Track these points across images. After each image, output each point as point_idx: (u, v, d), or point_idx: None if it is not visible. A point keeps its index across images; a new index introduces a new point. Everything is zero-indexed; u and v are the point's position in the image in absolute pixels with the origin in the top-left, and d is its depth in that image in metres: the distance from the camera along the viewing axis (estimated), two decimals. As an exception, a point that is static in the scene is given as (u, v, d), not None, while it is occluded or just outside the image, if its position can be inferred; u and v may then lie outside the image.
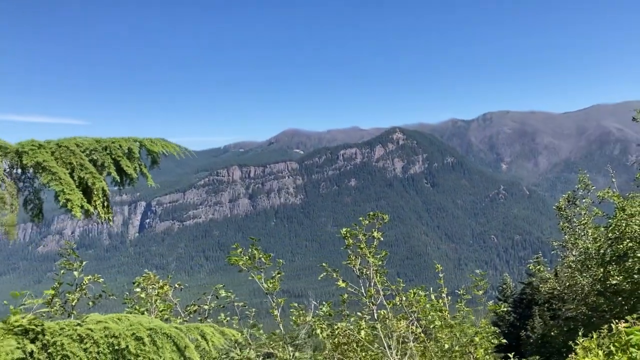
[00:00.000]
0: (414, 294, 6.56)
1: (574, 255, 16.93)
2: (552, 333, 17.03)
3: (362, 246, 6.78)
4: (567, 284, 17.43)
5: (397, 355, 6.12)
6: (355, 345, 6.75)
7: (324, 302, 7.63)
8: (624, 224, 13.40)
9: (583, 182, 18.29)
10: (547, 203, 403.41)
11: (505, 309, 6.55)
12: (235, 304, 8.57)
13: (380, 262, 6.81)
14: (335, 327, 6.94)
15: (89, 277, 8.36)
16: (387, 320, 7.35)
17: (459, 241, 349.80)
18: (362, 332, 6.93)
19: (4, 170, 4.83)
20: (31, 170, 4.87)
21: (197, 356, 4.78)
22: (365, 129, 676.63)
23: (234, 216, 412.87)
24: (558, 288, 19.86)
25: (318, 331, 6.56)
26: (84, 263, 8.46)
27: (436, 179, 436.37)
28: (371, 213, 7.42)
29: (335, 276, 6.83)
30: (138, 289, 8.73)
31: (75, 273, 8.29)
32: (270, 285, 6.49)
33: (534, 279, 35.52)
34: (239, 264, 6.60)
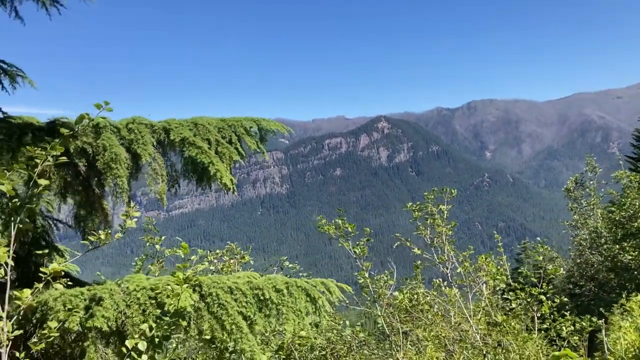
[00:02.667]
0: (485, 258, 7.31)
1: (583, 234, 17.84)
2: (567, 307, 17.95)
3: (435, 217, 7.51)
4: (578, 261, 18.35)
5: (472, 314, 6.86)
6: (428, 307, 7.49)
7: (385, 272, 8.35)
8: (637, 203, 14.30)
9: (590, 164, 19.20)
10: (531, 190, 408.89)
11: (562, 273, 7.32)
12: (300, 274, 9.27)
13: (450, 232, 7.58)
14: (412, 292, 7.70)
15: (169, 250, 9.02)
16: (443, 288, 8.09)
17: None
18: (430, 297, 7.69)
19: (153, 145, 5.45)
20: (177, 145, 5.50)
21: (327, 305, 5.49)
22: (350, 118, 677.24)
23: (219, 206, 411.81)
24: (564, 266, 20.81)
25: (400, 296, 7.32)
26: (163, 238, 9.10)
27: (421, 167, 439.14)
28: (435, 189, 8.17)
29: (409, 245, 7.58)
30: (206, 263, 9.41)
31: (157, 247, 8.93)
32: (359, 250, 7.22)
33: (522, 266, 36.50)
34: (330, 232, 7.33)
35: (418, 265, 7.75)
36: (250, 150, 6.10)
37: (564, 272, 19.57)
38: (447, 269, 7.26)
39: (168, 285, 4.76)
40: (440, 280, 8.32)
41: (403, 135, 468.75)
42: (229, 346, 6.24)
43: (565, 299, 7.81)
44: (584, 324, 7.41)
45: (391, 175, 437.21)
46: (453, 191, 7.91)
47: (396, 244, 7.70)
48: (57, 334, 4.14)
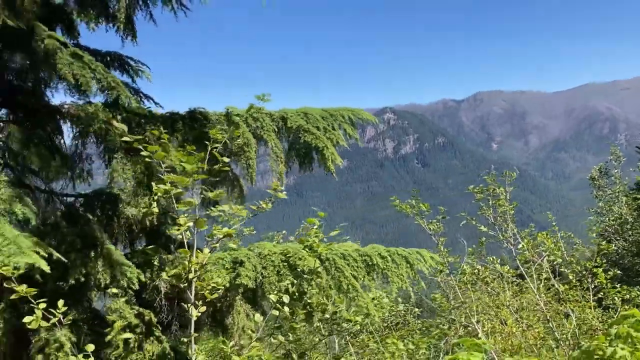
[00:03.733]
0: (547, 234, 8.10)
1: (610, 220, 18.55)
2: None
3: (501, 198, 8.31)
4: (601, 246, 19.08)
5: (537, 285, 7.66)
6: (490, 280, 8.32)
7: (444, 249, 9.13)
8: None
9: (615, 154, 19.95)
10: (538, 182, 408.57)
11: (614, 248, 8.15)
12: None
13: (512, 212, 8.39)
14: (475, 267, 8.52)
15: (247, 229, 9.85)
16: (497, 265, 8.91)
17: (452, 220, 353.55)
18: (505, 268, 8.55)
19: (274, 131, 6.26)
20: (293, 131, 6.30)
21: (426, 270, 6.31)
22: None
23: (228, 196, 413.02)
24: (587, 252, 21.55)
25: (467, 269, 8.17)
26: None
27: (427, 159, 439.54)
28: (493, 172, 8.98)
29: (474, 223, 8.39)
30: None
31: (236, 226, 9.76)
32: (434, 227, 8.04)
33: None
34: (407, 211, 8.14)
35: (483, 242, 8.58)
36: (347, 136, 6.90)
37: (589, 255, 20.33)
38: (511, 245, 8.05)
39: (299, 250, 5.60)
40: (494, 257, 9.15)
41: (409, 126, 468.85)
42: (328, 309, 7.09)
43: (618, 272, 8.59)
44: (638, 292, 8.22)
45: (397, 166, 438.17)
46: (513, 174, 8.70)
47: (462, 222, 8.52)
48: (223, 288, 4.97)
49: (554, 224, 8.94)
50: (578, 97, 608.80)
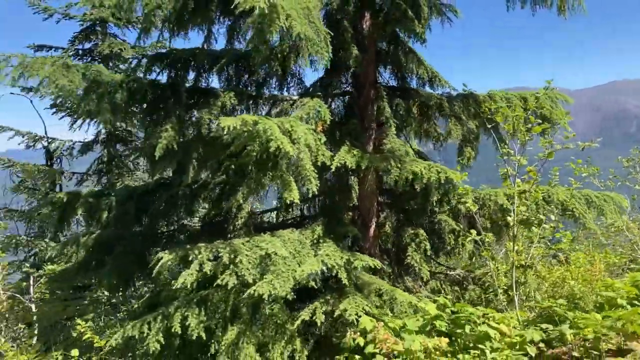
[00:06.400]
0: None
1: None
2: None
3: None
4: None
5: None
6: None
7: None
8: None
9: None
10: (563, 179, 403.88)
11: None
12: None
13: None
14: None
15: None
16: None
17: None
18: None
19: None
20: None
21: (627, 208, 8.77)
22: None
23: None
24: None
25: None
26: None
27: (450, 154, 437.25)
28: (637, 147, 11.45)
29: (628, 184, 10.90)
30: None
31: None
32: (605, 185, 10.54)
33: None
34: (584, 172, 10.64)
35: (634, 197, 11.08)
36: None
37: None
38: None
39: (549, 188, 8.15)
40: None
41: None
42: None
43: None
44: None
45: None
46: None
47: (618, 183, 11.05)
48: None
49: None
50: (605, 94, 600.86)
